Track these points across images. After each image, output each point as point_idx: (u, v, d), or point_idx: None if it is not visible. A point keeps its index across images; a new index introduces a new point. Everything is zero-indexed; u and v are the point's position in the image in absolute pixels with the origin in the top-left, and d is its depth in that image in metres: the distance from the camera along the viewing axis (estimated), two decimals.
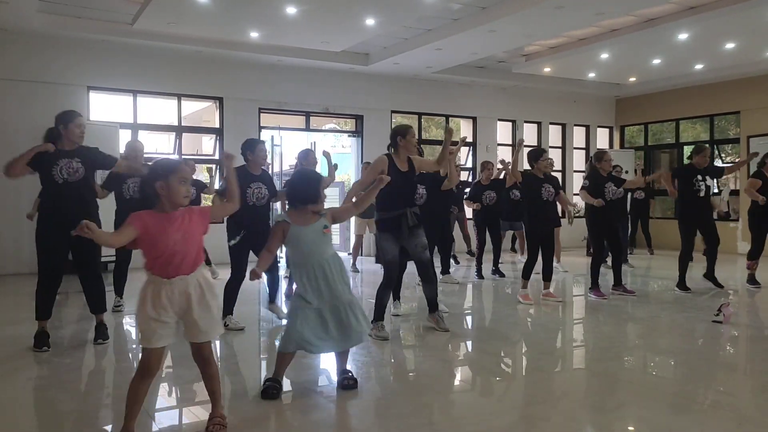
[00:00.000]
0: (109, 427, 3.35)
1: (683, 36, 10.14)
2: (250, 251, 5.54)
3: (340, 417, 3.56)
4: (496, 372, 4.64)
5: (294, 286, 7.14)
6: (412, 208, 5.33)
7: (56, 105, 9.52)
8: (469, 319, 6.53)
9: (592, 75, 13.51)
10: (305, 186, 3.75)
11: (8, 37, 9.28)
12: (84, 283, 5.11)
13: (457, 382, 4.32)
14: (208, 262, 8.86)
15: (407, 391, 3.92)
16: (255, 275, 3.59)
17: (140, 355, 3.01)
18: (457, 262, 10.71)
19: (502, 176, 10.03)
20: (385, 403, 3.76)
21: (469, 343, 5.50)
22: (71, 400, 3.80)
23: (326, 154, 7.01)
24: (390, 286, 5.41)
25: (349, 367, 4.01)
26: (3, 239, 9.24)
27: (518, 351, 5.29)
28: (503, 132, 14.17)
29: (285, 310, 6.17)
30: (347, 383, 3.89)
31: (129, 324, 5.99)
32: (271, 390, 3.71)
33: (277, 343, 4.30)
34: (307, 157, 7.32)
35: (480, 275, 8.96)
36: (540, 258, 7.02)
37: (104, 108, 10.81)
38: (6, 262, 9.23)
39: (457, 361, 4.96)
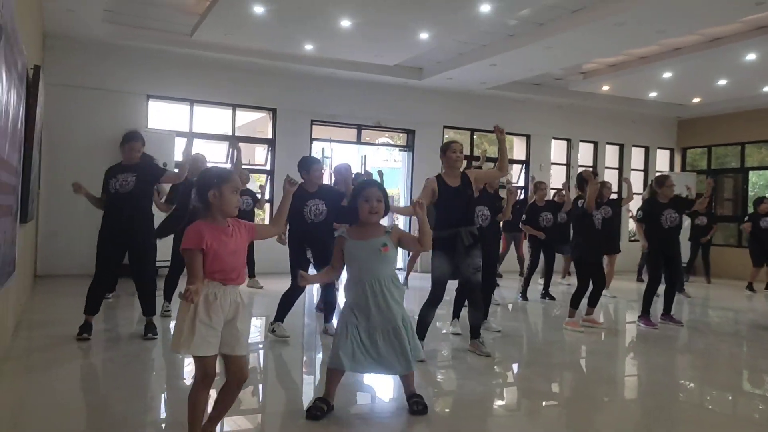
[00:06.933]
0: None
1: (751, 56, 9.71)
2: (311, 266, 5.67)
3: None
4: (540, 398, 4.44)
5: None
6: (468, 226, 5.12)
7: (117, 112, 9.90)
8: (513, 341, 6.31)
9: (653, 94, 13.09)
10: (348, 205, 3.59)
11: (73, 45, 9.58)
12: (138, 287, 5.52)
13: (498, 407, 4.14)
14: (251, 275, 8.92)
15: (445, 414, 3.76)
16: (303, 280, 3.51)
17: (194, 367, 2.87)
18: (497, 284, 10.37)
19: (556, 198, 9.83)
20: (422, 425, 3.61)
21: (513, 367, 5.30)
22: (122, 390, 3.83)
23: (381, 173, 7.10)
24: (434, 305, 5.20)
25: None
26: (58, 241, 9.47)
27: (565, 377, 5.06)
28: (558, 151, 13.86)
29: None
30: (416, 408, 3.64)
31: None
32: (314, 411, 3.48)
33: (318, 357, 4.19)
34: (342, 172, 6.70)
35: (525, 297, 8.67)
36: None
37: (162, 116, 11.05)
38: (61, 263, 9.46)
39: (499, 384, 4.77)
